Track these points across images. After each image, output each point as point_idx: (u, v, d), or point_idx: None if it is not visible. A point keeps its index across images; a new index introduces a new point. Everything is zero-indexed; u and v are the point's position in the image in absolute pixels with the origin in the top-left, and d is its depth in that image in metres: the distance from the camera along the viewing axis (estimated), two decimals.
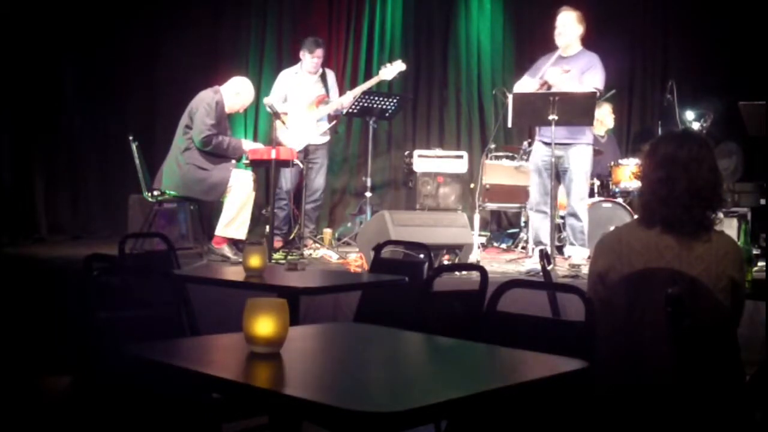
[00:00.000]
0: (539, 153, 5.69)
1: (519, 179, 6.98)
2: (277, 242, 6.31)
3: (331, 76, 6.90)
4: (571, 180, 5.68)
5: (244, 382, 1.74)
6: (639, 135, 8.21)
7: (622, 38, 8.22)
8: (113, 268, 3.08)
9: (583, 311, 2.22)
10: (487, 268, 3.16)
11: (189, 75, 7.36)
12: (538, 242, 5.74)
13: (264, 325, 1.86)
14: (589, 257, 5.46)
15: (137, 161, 5.96)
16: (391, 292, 3.54)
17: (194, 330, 3.35)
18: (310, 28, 7.79)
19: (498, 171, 7.10)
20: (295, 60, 6.99)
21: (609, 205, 6.50)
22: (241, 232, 5.87)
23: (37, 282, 5.18)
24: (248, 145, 6.15)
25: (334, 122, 6.85)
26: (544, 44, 7.65)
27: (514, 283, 2.47)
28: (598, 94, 5.64)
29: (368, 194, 6.59)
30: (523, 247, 6.81)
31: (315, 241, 6.60)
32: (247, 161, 6.10)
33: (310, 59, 6.71)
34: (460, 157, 7.24)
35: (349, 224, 7.50)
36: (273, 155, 5.84)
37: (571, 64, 5.63)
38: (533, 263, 5.48)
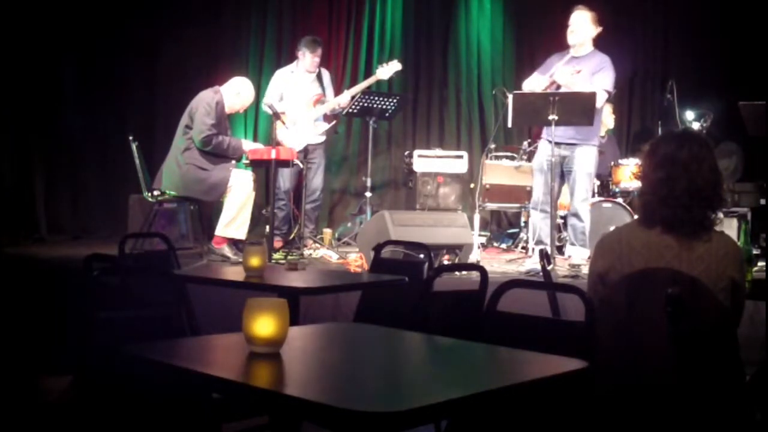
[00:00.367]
0: (545, 152, 5.66)
1: (519, 179, 6.98)
2: (277, 242, 6.31)
3: (326, 75, 6.91)
4: (575, 180, 5.68)
5: (244, 382, 1.74)
6: (639, 135, 8.21)
7: (622, 38, 8.21)
8: (113, 268, 3.07)
9: (583, 311, 2.22)
10: (487, 268, 3.16)
11: (189, 75, 7.37)
12: (539, 241, 5.74)
13: (264, 325, 1.86)
14: (589, 257, 5.46)
15: (137, 161, 5.96)
16: (391, 292, 3.54)
17: (194, 330, 3.35)
18: (310, 28, 7.79)
19: (498, 171, 7.10)
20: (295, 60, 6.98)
21: (609, 205, 6.50)
22: (241, 232, 5.87)
23: (37, 282, 5.18)
24: (248, 145, 6.15)
25: (334, 122, 6.86)
26: (545, 44, 7.68)
27: (514, 283, 2.47)
28: (607, 95, 5.64)
29: (368, 194, 6.59)
30: (523, 247, 6.81)
31: (315, 241, 6.61)
32: (247, 161, 6.11)
33: (311, 58, 6.71)
34: (460, 157, 7.24)
35: (349, 224, 7.50)
36: (273, 155, 5.84)
37: (582, 65, 5.61)
38: (533, 263, 5.48)
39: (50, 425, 3.58)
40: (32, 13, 7.06)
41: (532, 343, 2.05)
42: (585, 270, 5.20)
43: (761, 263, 5.32)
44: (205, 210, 6.23)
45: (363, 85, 6.84)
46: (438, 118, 8.43)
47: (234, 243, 5.90)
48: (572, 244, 5.75)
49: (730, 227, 6.11)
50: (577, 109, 5.36)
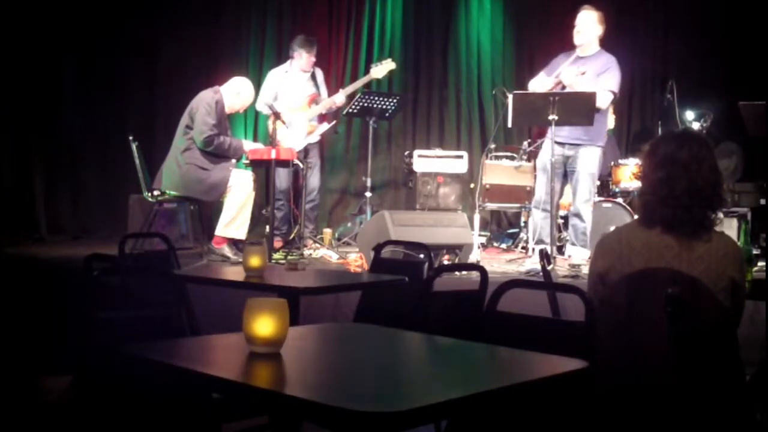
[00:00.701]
0: (549, 152, 5.65)
1: (519, 179, 6.97)
2: (277, 242, 6.31)
3: (320, 74, 6.92)
4: (577, 180, 5.68)
5: (244, 382, 1.74)
6: (639, 135, 8.20)
7: (622, 38, 8.21)
8: (113, 268, 3.07)
9: (583, 311, 2.22)
10: (487, 268, 3.16)
11: (189, 75, 7.37)
12: (540, 241, 5.74)
13: (264, 325, 1.86)
14: (589, 258, 5.46)
15: (137, 161, 5.96)
16: (391, 292, 3.54)
17: (194, 330, 3.35)
18: (310, 28, 7.79)
19: (498, 171, 7.10)
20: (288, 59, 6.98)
21: (609, 205, 6.50)
22: (241, 232, 5.87)
23: (37, 282, 5.18)
24: (249, 145, 6.16)
25: (334, 122, 6.86)
26: (545, 44, 7.68)
27: (514, 283, 2.47)
28: (612, 96, 5.64)
29: (368, 194, 6.59)
30: (523, 247, 6.81)
31: (315, 241, 6.61)
32: (247, 161, 6.11)
33: (307, 58, 6.72)
34: (460, 157, 7.24)
35: (349, 224, 7.50)
36: (273, 155, 5.84)
37: (588, 65, 5.61)
38: (533, 263, 5.48)
39: (50, 425, 3.58)
40: (32, 13, 7.06)
41: (532, 343, 2.05)
42: (585, 270, 5.20)
43: (761, 263, 5.32)
44: (205, 210, 6.23)
45: (358, 84, 6.89)
46: (438, 118, 8.42)
47: (234, 243, 5.90)
48: (573, 244, 5.75)
49: (730, 227, 6.11)
50: (577, 109, 5.35)
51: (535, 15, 8.36)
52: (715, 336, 2.32)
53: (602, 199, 6.65)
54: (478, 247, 6.11)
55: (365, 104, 6.56)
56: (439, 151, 7.33)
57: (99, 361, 2.25)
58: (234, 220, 5.83)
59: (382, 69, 6.79)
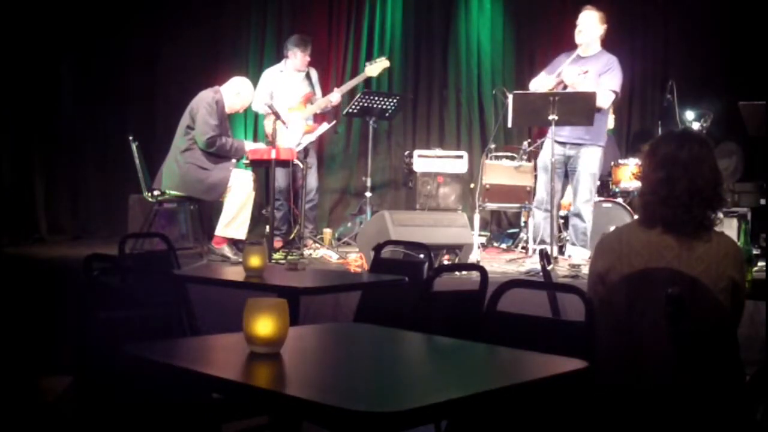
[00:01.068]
0: (550, 151, 5.66)
1: (519, 179, 6.97)
2: (277, 242, 6.31)
3: (314, 74, 6.94)
4: (578, 181, 5.69)
5: (244, 382, 1.74)
6: (639, 135, 8.20)
7: (622, 38, 8.21)
8: (113, 268, 3.08)
9: (583, 311, 2.22)
10: (487, 268, 3.16)
11: (189, 75, 7.36)
12: (541, 241, 5.74)
13: (264, 325, 1.86)
14: (589, 258, 5.46)
15: (137, 161, 5.96)
16: (391, 292, 3.54)
17: (194, 330, 3.35)
18: (310, 28, 7.79)
19: (498, 171, 7.10)
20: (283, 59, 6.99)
21: (609, 205, 6.50)
22: (241, 232, 5.87)
23: (37, 282, 5.18)
24: (250, 145, 6.16)
25: (334, 122, 6.87)
26: (545, 44, 7.68)
27: (514, 283, 2.47)
28: (614, 96, 5.65)
29: (368, 194, 6.59)
30: (523, 247, 6.81)
31: (315, 241, 6.61)
32: (247, 161, 6.11)
33: (302, 57, 6.73)
34: (460, 157, 7.24)
35: (349, 224, 7.50)
36: (273, 155, 5.83)
37: (590, 65, 5.63)
38: (533, 263, 5.48)
39: (50, 425, 3.58)
40: (32, 14, 7.06)
41: (532, 343, 2.05)
42: (585, 270, 5.20)
43: (761, 263, 5.31)
44: (205, 210, 6.23)
45: (353, 82, 6.92)
46: (438, 118, 8.42)
47: (234, 243, 5.90)
48: (573, 244, 5.75)
49: (730, 227, 6.11)
50: (577, 109, 5.36)
51: (535, 15, 8.36)
52: (715, 336, 2.32)
53: (602, 199, 6.65)
54: (478, 247, 6.11)
55: (365, 104, 6.56)
56: (439, 151, 7.33)
57: (99, 361, 2.25)
58: (234, 220, 5.83)
59: (376, 67, 6.81)
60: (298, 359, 1.96)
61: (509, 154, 7.31)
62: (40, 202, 7.31)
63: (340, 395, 1.66)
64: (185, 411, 2.26)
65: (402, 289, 3.37)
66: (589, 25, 5.69)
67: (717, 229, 2.55)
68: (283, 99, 6.63)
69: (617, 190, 6.81)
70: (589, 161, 5.66)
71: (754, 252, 5.43)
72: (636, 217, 3.06)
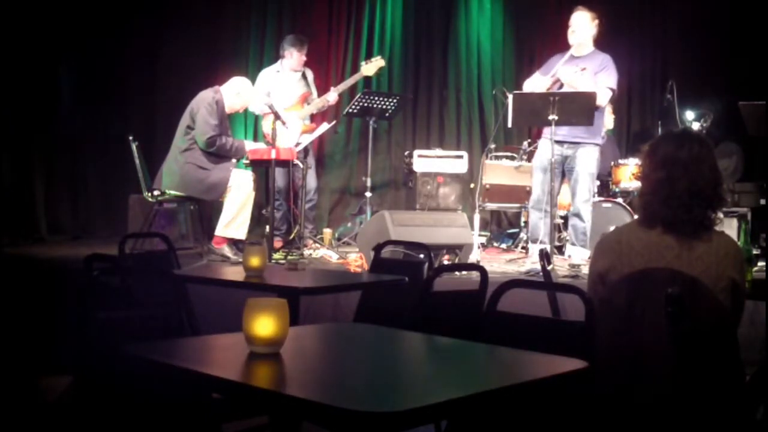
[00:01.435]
0: (547, 151, 5.67)
1: (519, 179, 6.98)
2: (277, 242, 6.31)
3: (310, 74, 6.95)
4: (576, 181, 5.69)
5: (244, 382, 1.74)
6: (639, 135, 8.21)
7: (622, 38, 8.22)
8: (113, 268, 3.08)
9: (583, 311, 2.22)
10: (487, 268, 3.16)
11: (189, 75, 7.36)
12: (535, 240, 5.75)
13: (264, 325, 1.86)
14: (589, 258, 5.46)
15: (137, 161, 5.96)
16: (391, 292, 3.54)
17: (194, 330, 3.35)
18: (310, 28, 7.79)
19: (498, 171, 7.10)
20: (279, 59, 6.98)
21: (609, 205, 6.50)
22: (241, 232, 5.87)
23: (37, 282, 5.18)
24: (250, 145, 6.16)
25: (334, 122, 6.87)
26: (545, 44, 7.68)
27: (514, 283, 2.47)
28: (611, 93, 5.67)
29: (368, 194, 6.59)
30: (523, 248, 6.81)
31: (315, 241, 6.61)
32: (247, 161, 6.11)
33: (298, 57, 6.74)
34: (460, 157, 7.24)
35: (349, 224, 7.50)
36: (273, 155, 5.83)
37: (584, 64, 5.66)
38: (533, 263, 5.48)
39: (50, 425, 3.58)
40: (32, 13, 7.06)
41: (532, 343, 2.05)
42: (585, 270, 5.20)
43: (761, 263, 5.31)
44: (205, 210, 6.23)
45: (349, 82, 6.95)
46: (438, 118, 8.42)
47: (234, 243, 5.89)
48: (573, 244, 5.75)
49: (730, 227, 6.11)
50: (577, 109, 5.37)
51: (535, 15, 8.36)
52: (715, 336, 2.32)
53: (602, 199, 6.65)
54: (478, 247, 6.11)
55: (365, 104, 6.56)
56: (439, 151, 7.33)
57: (99, 361, 2.25)
58: (234, 220, 5.83)
59: (372, 66, 6.83)
60: (298, 359, 1.96)
61: (509, 154, 7.31)
62: (40, 202, 7.31)
63: (340, 395, 1.66)
64: (185, 411, 2.26)
65: (402, 289, 3.37)
66: (582, 25, 5.73)
67: (717, 229, 2.55)
68: (280, 99, 6.64)
69: (617, 190, 6.81)
70: (587, 161, 5.67)
71: (754, 252, 5.44)
72: (636, 217, 3.06)
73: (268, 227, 6.03)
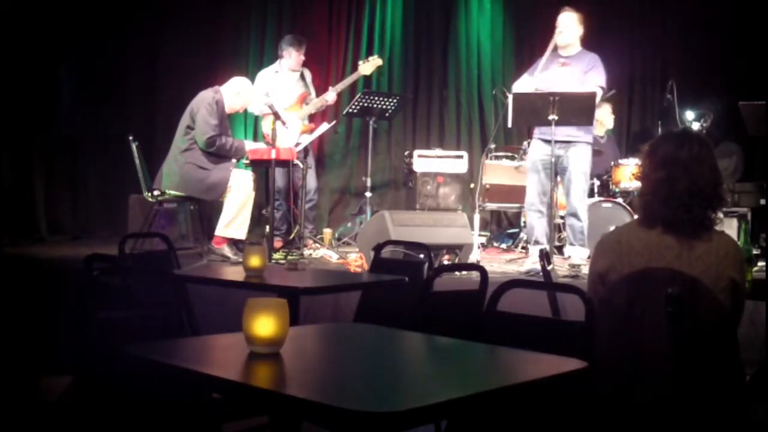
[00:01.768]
0: (538, 151, 5.70)
1: (519, 179, 6.97)
2: (277, 242, 6.31)
3: (308, 75, 6.95)
4: (570, 180, 5.68)
5: (244, 382, 1.74)
6: (639, 135, 8.21)
7: (621, 38, 8.22)
8: (113, 268, 3.08)
9: (583, 311, 2.22)
10: (487, 268, 3.16)
11: (189, 75, 7.37)
12: (534, 241, 5.75)
13: (264, 325, 1.86)
14: (589, 257, 5.46)
15: (137, 161, 5.96)
16: (391, 292, 3.54)
17: (194, 330, 3.35)
18: (310, 28, 7.79)
19: (498, 171, 7.10)
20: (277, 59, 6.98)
21: (609, 205, 6.50)
22: (241, 232, 5.87)
23: (37, 282, 5.17)
24: (250, 145, 6.16)
25: (334, 122, 6.87)
26: (544, 44, 7.65)
27: (514, 283, 2.47)
28: (602, 92, 5.69)
29: (368, 194, 6.59)
30: (523, 248, 6.81)
31: (315, 241, 6.61)
32: (247, 161, 6.11)
33: (296, 57, 6.75)
34: (460, 157, 7.24)
35: (349, 224, 7.50)
36: (273, 155, 5.84)
37: (572, 64, 5.68)
38: (533, 263, 5.48)
39: (50, 425, 3.58)
40: (32, 13, 7.06)
41: (532, 343, 2.05)
42: (585, 270, 5.20)
43: (761, 263, 5.32)
44: (205, 210, 6.23)
45: (347, 81, 6.96)
46: (438, 118, 8.43)
47: (234, 243, 5.89)
48: (571, 243, 5.75)
49: (730, 227, 6.11)
50: (577, 109, 5.37)
51: (535, 15, 8.36)
52: (715, 336, 2.32)
53: (602, 199, 6.65)
54: (478, 247, 6.11)
55: (365, 104, 6.56)
56: (439, 151, 7.33)
57: (99, 361, 2.25)
58: (234, 220, 5.83)
59: (369, 66, 6.83)
60: (298, 359, 1.96)
61: (509, 154, 7.32)
62: (40, 202, 7.31)
63: (340, 395, 1.66)
64: (185, 411, 2.26)
65: (402, 289, 3.37)
66: (570, 26, 5.76)
67: (717, 229, 2.55)
68: (279, 99, 6.64)
69: (617, 190, 6.81)
70: (580, 160, 5.67)
71: (754, 252, 5.44)
72: (636, 217, 3.06)
73: (268, 227, 6.03)
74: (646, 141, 2.75)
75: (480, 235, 6.52)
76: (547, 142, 5.55)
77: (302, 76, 6.89)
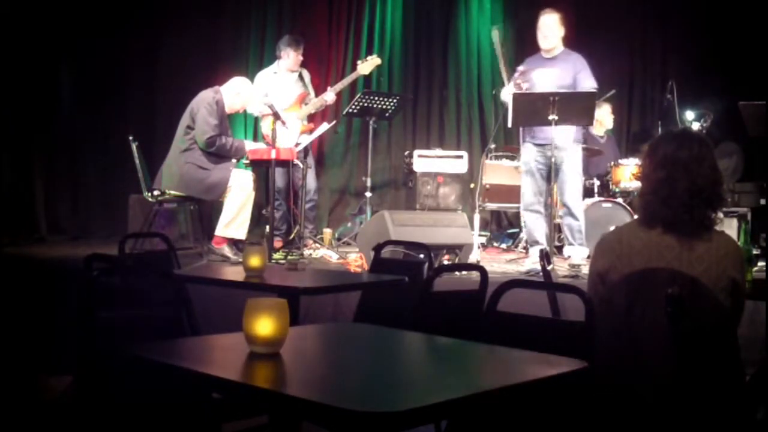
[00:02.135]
0: (531, 153, 5.73)
1: (519, 179, 6.94)
2: (277, 242, 6.31)
3: (306, 75, 6.95)
4: (564, 181, 5.69)
5: (244, 382, 1.74)
6: (639, 135, 8.21)
7: (621, 38, 8.23)
8: (113, 268, 3.07)
9: (583, 311, 2.22)
10: (487, 268, 3.16)
11: (189, 75, 7.36)
12: (533, 242, 5.75)
13: (264, 325, 1.86)
14: (588, 257, 5.46)
15: (137, 161, 5.96)
16: (391, 292, 3.54)
17: (194, 330, 3.35)
18: (310, 28, 7.79)
19: (498, 171, 7.10)
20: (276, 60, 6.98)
21: (609, 205, 6.50)
22: (240, 232, 5.87)
23: (37, 282, 5.18)
24: (250, 145, 6.16)
25: (334, 122, 6.87)
26: None
27: (514, 283, 2.47)
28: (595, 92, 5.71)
29: (368, 194, 6.59)
30: (523, 248, 6.82)
31: (315, 241, 6.61)
32: (247, 161, 6.11)
33: (295, 57, 6.75)
34: (460, 157, 7.24)
35: (349, 224, 7.50)
36: (273, 155, 5.84)
37: (558, 65, 5.71)
38: (533, 263, 5.49)
39: (50, 425, 3.58)
40: (32, 14, 7.06)
41: (532, 343, 2.05)
42: (585, 270, 5.20)
43: (761, 263, 5.31)
44: (205, 210, 6.23)
45: (346, 81, 6.96)
46: (438, 118, 8.43)
47: (234, 243, 5.89)
48: (570, 243, 5.75)
49: (730, 227, 6.11)
50: (577, 109, 5.38)
51: (535, 15, 8.34)
52: (715, 336, 2.32)
53: (602, 199, 6.65)
54: (478, 247, 6.11)
55: (365, 104, 6.56)
56: (439, 151, 7.33)
57: (99, 361, 2.25)
58: (234, 220, 5.83)
59: (368, 65, 6.83)
60: (298, 359, 1.96)
61: (509, 154, 7.32)
62: (40, 202, 7.32)
63: (340, 395, 1.66)
64: (185, 411, 2.26)
65: (402, 289, 3.37)
66: (553, 29, 5.81)
67: (717, 229, 2.55)
68: (278, 100, 6.63)
69: (617, 190, 6.81)
70: (573, 161, 5.70)
71: (754, 252, 5.44)
72: (636, 217, 3.06)
73: (268, 227, 6.03)
74: (646, 141, 2.75)
75: (480, 235, 6.52)
76: (539, 145, 5.59)
77: (301, 77, 6.90)
